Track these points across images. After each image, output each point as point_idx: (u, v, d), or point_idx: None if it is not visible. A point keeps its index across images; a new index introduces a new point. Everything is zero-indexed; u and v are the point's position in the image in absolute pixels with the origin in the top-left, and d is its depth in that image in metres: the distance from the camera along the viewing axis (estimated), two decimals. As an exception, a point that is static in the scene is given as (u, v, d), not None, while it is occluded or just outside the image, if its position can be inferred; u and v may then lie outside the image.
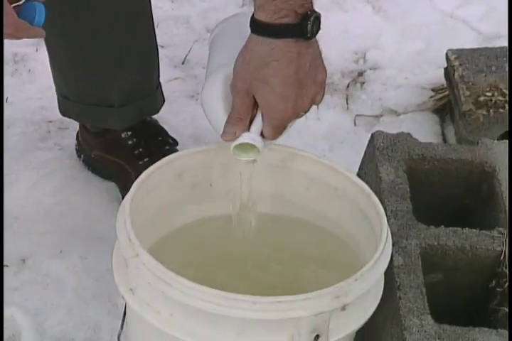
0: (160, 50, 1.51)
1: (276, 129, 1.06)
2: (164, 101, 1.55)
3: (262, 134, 1.07)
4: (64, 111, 1.55)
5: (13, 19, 1.05)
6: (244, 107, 1.04)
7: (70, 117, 1.58)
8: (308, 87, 1.04)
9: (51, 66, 1.51)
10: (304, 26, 1.00)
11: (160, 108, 1.55)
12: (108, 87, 1.45)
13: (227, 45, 1.14)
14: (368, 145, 1.35)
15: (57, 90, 1.54)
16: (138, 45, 1.44)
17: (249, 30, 1.04)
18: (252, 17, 1.02)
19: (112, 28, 1.38)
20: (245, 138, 1.06)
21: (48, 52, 1.49)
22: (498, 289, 1.17)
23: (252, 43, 1.02)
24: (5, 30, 1.06)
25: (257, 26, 1.01)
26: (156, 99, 1.53)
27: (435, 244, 1.16)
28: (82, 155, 1.64)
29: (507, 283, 1.15)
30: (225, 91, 1.07)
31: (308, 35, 1.00)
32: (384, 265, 1.02)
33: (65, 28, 1.40)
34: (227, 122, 1.06)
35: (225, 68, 1.08)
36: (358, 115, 1.82)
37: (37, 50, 1.89)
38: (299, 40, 1.01)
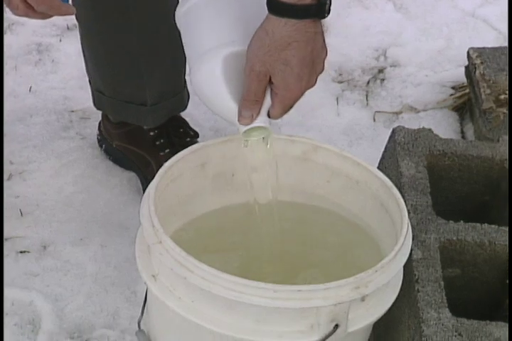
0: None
1: (285, 109, 1.08)
2: (189, 96, 1.56)
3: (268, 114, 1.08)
4: (99, 105, 1.56)
5: None
6: (261, 90, 1.05)
7: (104, 112, 1.59)
8: (318, 65, 1.07)
9: (88, 61, 1.52)
10: (323, 6, 1.02)
11: (187, 103, 1.56)
12: (142, 86, 1.47)
13: (215, 24, 1.09)
14: (389, 140, 1.35)
15: (93, 84, 1.55)
16: (170, 45, 1.44)
17: (239, 5, 1.06)
18: None
19: (147, 30, 1.39)
20: (258, 121, 1.07)
21: (84, 48, 1.49)
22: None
23: (272, 25, 1.02)
24: (37, 9, 1.07)
25: (280, 8, 1.02)
26: (184, 95, 1.54)
27: (454, 238, 1.17)
28: (103, 145, 1.65)
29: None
30: (227, 74, 1.06)
31: (326, 14, 1.03)
32: (404, 258, 1.02)
33: (101, 31, 1.41)
34: (243, 106, 1.06)
35: (221, 49, 1.06)
36: (377, 111, 1.82)
37: (61, 41, 1.91)
38: (316, 20, 1.03)
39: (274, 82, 1.05)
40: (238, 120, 1.07)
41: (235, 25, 1.07)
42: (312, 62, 1.05)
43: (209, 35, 1.09)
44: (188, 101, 1.56)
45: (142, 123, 1.54)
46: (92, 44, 1.47)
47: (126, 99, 1.50)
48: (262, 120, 1.07)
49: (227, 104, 1.07)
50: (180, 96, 1.53)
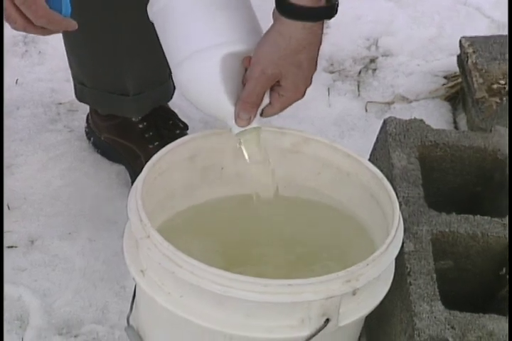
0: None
1: (284, 109, 1.09)
2: (175, 86, 1.55)
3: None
4: (81, 97, 1.56)
5: (45, 9, 1.02)
6: (264, 92, 1.06)
7: (86, 103, 1.58)
8: (317, 64, 1.08)
9: (67, 52, 1.51)
10: (334, 6, 1.03)
11: (173, 95, 1.55)
12: (123, 76, 1.46)
13: (210, 21, 1.07)
14: (380, 131, 1.35)
15: (74, 76, 1.54)
16: (153, 34, 1.44)
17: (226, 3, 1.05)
18: (288, 3, 1.02)
19: (129, 18, 1.38)
20: (253, 122, 1.08)
21: (64, 38, 1.48)
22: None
23: (289, 29, 1.03)
24: (36, 23, 1.03)
25: (298, 12, 1.02)
26: (169, 86, 1.53)
27: (446, 230, 1.17)
28: (91, 138, 1.64)
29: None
30: (225, 74, 1.05)
31: (335, 14, 1.04)
32: (395, 250, 1.02)
33: (82, 18, 1.39)
34: (242, 108, 1.06)
35: (221, 48, 1.05)
36: (369, 102, 1.82)
37: (47, 32, 1.90)
38: (324, 21, 1.04)
39: (283, 84, 1.06)
40: (236, 122, 1.07)
41: (231, 24, 1.07)
42: (315, 62, 1.07)
43: (205, 33, 1.07)
44: (174, 91, 1.55)
45: (126, 114, 1.54)
46: (70, 33, 1.46)
47: (107, 89, 1.49)
48: (256, 120, 1.08)
49: (223, 105, 1.07)
50: (166, 86, 1.52)
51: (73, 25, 1.07)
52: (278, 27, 1.03)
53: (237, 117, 1.07)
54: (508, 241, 1.16)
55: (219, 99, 1.07)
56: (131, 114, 1.53)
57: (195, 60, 1.06)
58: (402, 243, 1.06)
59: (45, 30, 1.06)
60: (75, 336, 1.33)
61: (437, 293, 1.08)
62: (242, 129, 1.08)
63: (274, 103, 1.07)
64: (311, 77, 1.08)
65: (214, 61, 1.06)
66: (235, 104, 1.07)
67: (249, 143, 1.10)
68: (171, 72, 1.51)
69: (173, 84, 1.54)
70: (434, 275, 1.10)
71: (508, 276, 1.16)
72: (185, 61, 1.07)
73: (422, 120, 1.33)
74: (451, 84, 1.82)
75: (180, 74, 1.08)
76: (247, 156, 1.10)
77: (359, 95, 1.84)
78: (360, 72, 1.89)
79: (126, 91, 1.48)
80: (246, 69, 1.07)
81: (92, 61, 1.46)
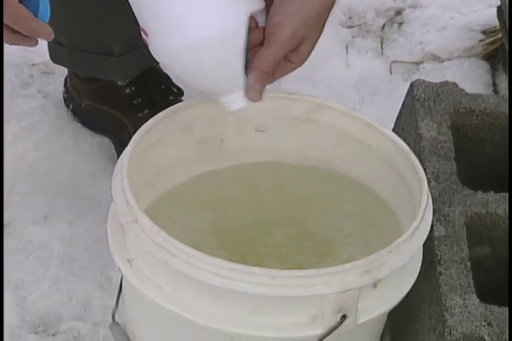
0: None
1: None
2: None
3: None
4: (56, 57, 1.56)
5: (14, 4, 0.96)
6: (280, 59, 1.04)
7: (63, 65, 1.59)
8: None
9: None
10: None
11: None
12: (108, 33, 1.46)
13: None
14: (407, 96, 1.35)
15: None
16: None
17: None
18: None
19: None
20: None
21: None
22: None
23: None
24: (4, 20, 0.96)
25: None
26: None
27: (483, 212, 1.17)
28: (70, 105, 1.65)
29: None
30: (245, 43, 1.03)
31: None
32: (423, 235, 1.03)
33: None
34: (259, 78, 1.04)
35: (244, 7, 1.02)
36: (394, 61, 1.82)
37: (18, -19, 1.90)
38: None
39: (301, 49, 1.04)
40: (249, 95, 1.05)
41: None
42: None
43: None
44: None
45: (110, 77, 1.54)
46: None
47: (89, 49, 1.49)
48: None
49: (233, 74, 1.04)
50: None
51: (48, 31, 1.02)
52: None
53: (251, 89, 1.04)
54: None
55: (236, 72, 1.04)
56: (116, 77, 1.54)
57: (212, 19, 1.01)
58: (432, 226, 1.07)
59: (14, 36, 0.99)
60: (53, 335, 1.34)
61: (472, 285, 1.09)
62: (244, 105, 1.06)
63: (276, 71, 1.05)
64: None
65: (239, 22, 1.01)
66: (243, 73, 1.04)
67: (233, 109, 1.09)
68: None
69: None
70: (469, 264, 1.10)
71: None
72: (193, 19, 1.01)
73: (455, 83, 1.33)
74: (490, 40, 1.82)
75: (188, 36, 1.02)
76: None
77: (382, 53, 1.84)
78: (383, 27, 1.89)
79: (111, 50, 1.48)
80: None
81: (71, 17, 1.46)
